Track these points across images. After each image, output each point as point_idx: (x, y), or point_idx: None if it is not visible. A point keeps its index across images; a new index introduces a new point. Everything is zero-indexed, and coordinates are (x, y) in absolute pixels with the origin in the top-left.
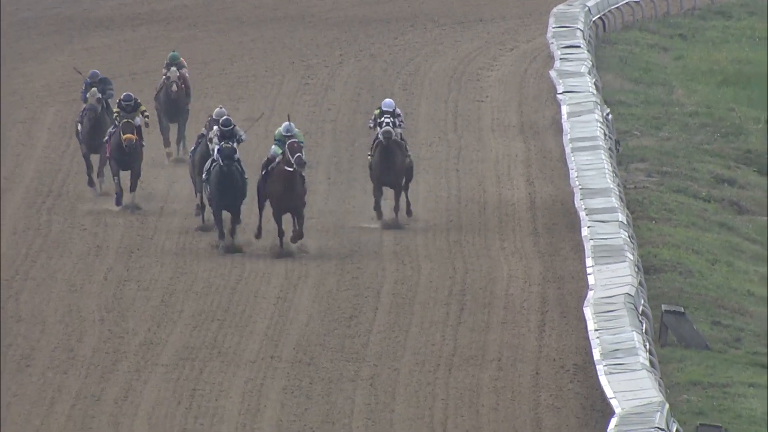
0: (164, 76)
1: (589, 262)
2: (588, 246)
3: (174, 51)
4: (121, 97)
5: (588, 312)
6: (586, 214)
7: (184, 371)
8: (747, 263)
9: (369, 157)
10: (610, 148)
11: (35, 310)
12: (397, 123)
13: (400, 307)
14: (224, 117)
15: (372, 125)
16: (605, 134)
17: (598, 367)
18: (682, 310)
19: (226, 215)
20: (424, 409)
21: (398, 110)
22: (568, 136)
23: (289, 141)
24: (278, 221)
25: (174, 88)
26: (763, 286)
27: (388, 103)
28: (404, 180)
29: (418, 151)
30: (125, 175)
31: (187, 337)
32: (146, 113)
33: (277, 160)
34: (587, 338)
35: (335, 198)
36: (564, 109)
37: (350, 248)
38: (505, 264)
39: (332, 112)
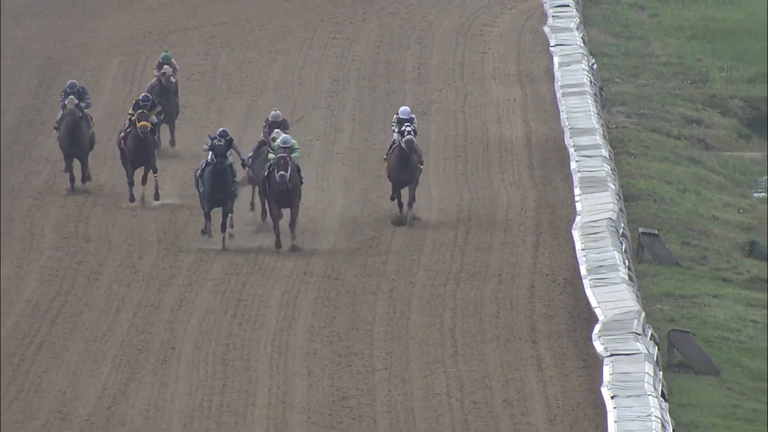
0: (156, 76)
1: (577, 191)
2: (576, 177)
3: (166, 52)
4: (140, 97)
5: (576, 234)
6: (575, 150)
7: (229, 284)
8: (712, 192)
9: (385, 160)
10: (595, 94)
11: (102, 232)
12: (414, 129)
13: (414, 230)
14: (221, 129)
15: (395, 130)
16: (591, 81)
17: (584, 281)
18: (656, 232)
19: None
20: (436, 317)
21: (413, 115)
22: (559, 83)
23: (277, 156)
24: (276, 219)
25: (172, 79)
26: (726, 211)
27: (404, 110)
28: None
29: (430, 96)
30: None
31: (232, 255)
32: (161, 115)
33: (272, 168)
34: (575, 256)
35: (359, 136)
36: (555, 60)
37: (372, 180)
38: (505, 193)
39: (356, 62)
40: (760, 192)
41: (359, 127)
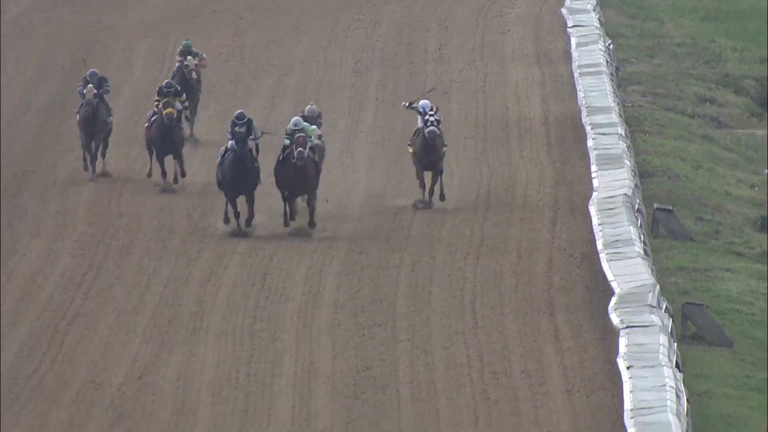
0: (178, 63)
1: (593, 168)
2: (593, 155)
3: (186, 40)
4: (163, 84)
5: (593, 209)
6: (591, 128)
7: (257, 258)
8: (725, 169)
9: (409, 146)
10: (611, 73)
11: (134, 209)
12: (438, 118)
13: (435, 206)
14: (239, 111)
15: (407, 106)
16: (607, 61)
17: (600, 255)
18: (671, 207)
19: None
20: (456, 290)
21: (435, 112)
22: (576, 63)
23: (297, 135)
24: (291, 205)
25: (194, 75)
26: (739, 187)
27: (424, 103)
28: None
29: (451, 76)
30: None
31: (259, 231)
32: (186, 102)
33: (287, 151)
34: (592, 231)
35: (382, 115)
36: (573, 41)
37: (395, 158)
38: (524, 170)
39: (380, 43)
40: None
41: (383, 107)
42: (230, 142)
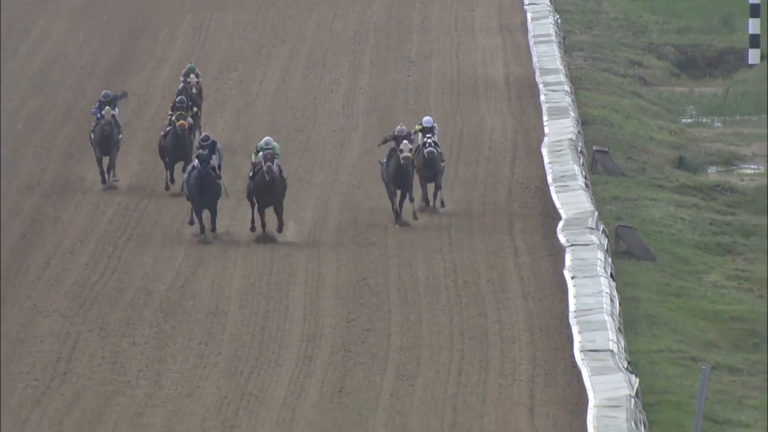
0: (182, 82)
1: (545, 117)
2: (544, 107)
3: (191, 63)
4: (177, 99)
5: (544, 151)
6: (543, 86)
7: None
8: (650, 118)
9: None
10: (559, 42)
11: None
12: (435, 137)
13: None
14: (204, 134)
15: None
16: (556, 32)
17: (551, 187)
18: (607, 149)
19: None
20: (435, 216)
21: (434, 124)
22: (531, 34)
23: (264, 152)
24: (261, 214)
25: (194, 90)
26: (661, 133)
27: (427, 120)
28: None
29: (431, 45)
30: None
31: None
32: (197, 113)
33: (258, 167)
34: (543, 168)
35: (376, 75)
36: (529, 15)
37: (385, 111)
38: (489, 119)
39: (374, 17)
40: (687, 118)
41: (376, 68)
42: (195, 161)
